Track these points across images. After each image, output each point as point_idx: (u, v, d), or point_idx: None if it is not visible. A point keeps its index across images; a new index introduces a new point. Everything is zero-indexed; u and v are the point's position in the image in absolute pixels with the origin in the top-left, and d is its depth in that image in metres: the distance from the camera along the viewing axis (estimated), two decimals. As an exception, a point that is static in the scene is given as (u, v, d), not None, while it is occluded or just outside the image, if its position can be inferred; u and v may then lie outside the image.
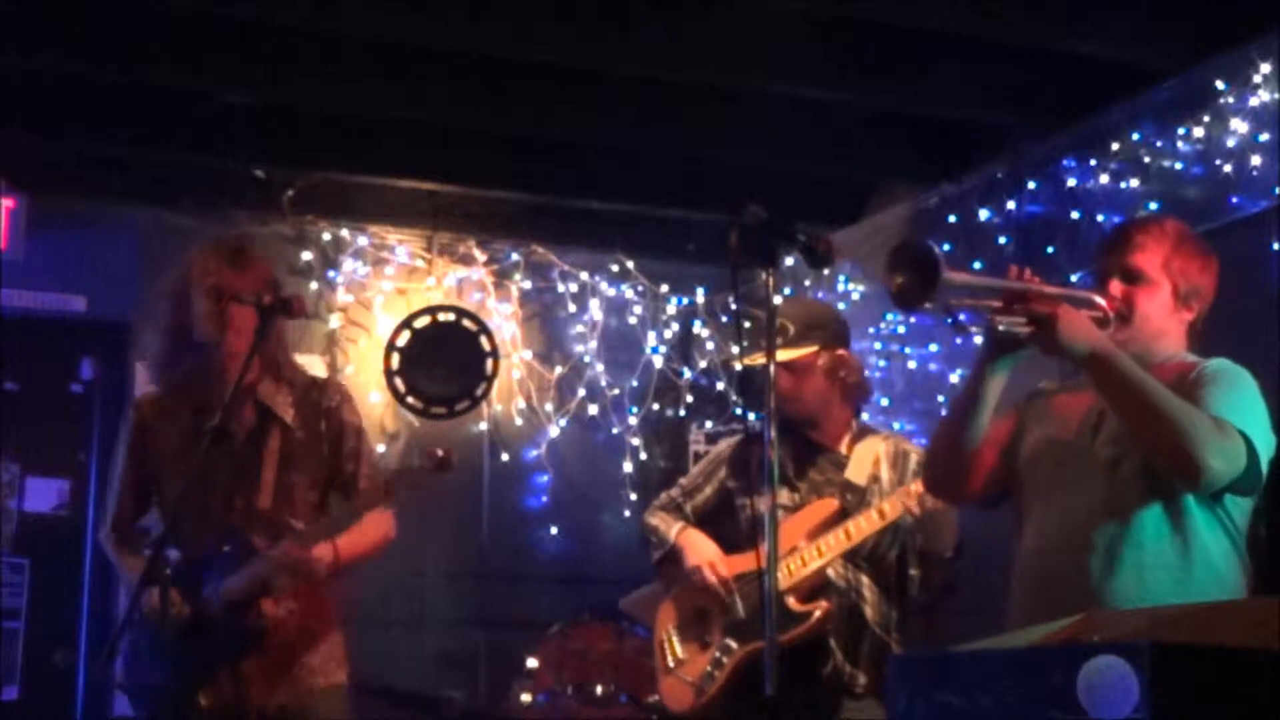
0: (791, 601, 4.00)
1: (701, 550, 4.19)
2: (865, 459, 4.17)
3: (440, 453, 3.57)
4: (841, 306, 5.98)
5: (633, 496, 6.85)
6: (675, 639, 4.24)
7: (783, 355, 4.09)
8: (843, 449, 4.19)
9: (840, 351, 4.19)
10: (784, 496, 4.13)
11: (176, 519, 3.59)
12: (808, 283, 6.55)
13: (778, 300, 3.23)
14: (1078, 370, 3.08)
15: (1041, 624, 2.45)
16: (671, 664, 4.22)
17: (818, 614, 3.98)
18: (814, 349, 4.14)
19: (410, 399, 6.49)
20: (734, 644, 4.09)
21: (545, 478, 6.81)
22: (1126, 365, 2.92)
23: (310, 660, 3.72)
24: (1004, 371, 3.08)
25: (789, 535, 4.05)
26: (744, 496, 4.18)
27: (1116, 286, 3.11)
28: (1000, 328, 2.94)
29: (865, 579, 4.09)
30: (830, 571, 4.05)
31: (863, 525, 4.00)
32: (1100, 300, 3.07)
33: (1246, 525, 3.05)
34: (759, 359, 4.06)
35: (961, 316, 2.95)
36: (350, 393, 3.96)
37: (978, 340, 3.17)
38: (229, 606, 3.61)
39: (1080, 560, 3.00)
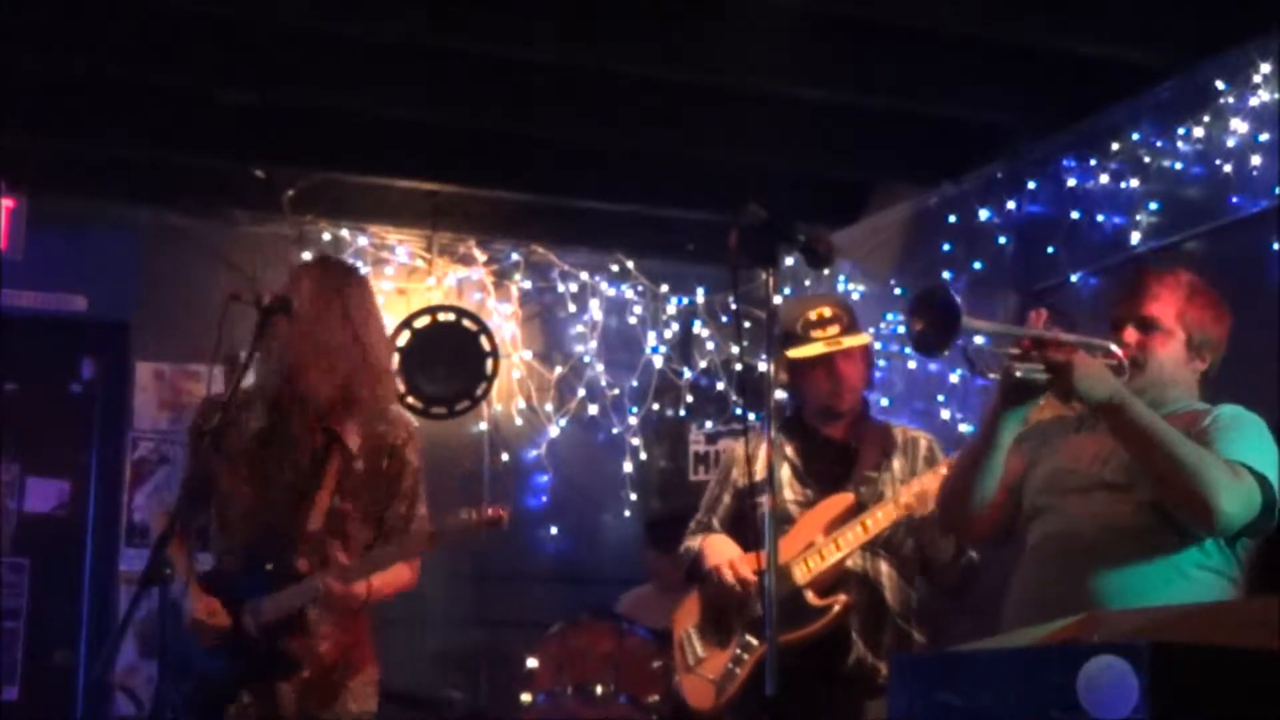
0: (810, 596, 4.00)
1: (721, 550, 4.19)
2: (874, 449, 4.18)
3: (494, 512, 3.59)
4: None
5: (633, 496, 6.86)
6: (695, 637, 4.24)
7: (851, 341, 4.14)
8: (852, 441, 4.21)
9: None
10: (797, 492, 4.15)
11: (221, 520, 3.61)
12: (808, 283, 6.54)
13: (778, 300, 3.25)
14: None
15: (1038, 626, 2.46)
16: (692, 662, 4.22)
17: (836, 609, 3.98)
18: (868, 337, 4.22)
19: (410, 399, 6.49)
20: (754, 640, 4.07)
21: (545, 478, 6.81)
22: (1142, 411, 2.95)
23: (350, 685, 3.72)
24: (1017, 420, 3.11)
25: (805, 530, 4.07)
26: (755, 495, 4.19)
27: (1131, 335, 3.15)
28: (1017, 373, 2.96)
29: (884, 566, 4.10)
30: (849, 561, 4.05)
31: (879, 518, 4.01)
32: (1115, 349, 3.10)
33: (1248, 563, 3.07)
34: (814, 350, 4.11)
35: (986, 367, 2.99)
36: (416, 433, 3.91)
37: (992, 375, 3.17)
38: (264, 627, 3.60)
39: (1081, 565, 3.01)
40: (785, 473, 4.18)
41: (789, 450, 4.20)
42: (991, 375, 3.00)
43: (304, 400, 3.67)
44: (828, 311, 4.17)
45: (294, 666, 3.62)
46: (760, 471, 4.06)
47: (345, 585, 3.57)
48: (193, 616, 3.56)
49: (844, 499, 4.09)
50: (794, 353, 4.13)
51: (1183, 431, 2.96)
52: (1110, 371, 3.01)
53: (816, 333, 4.13)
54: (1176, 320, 3.15)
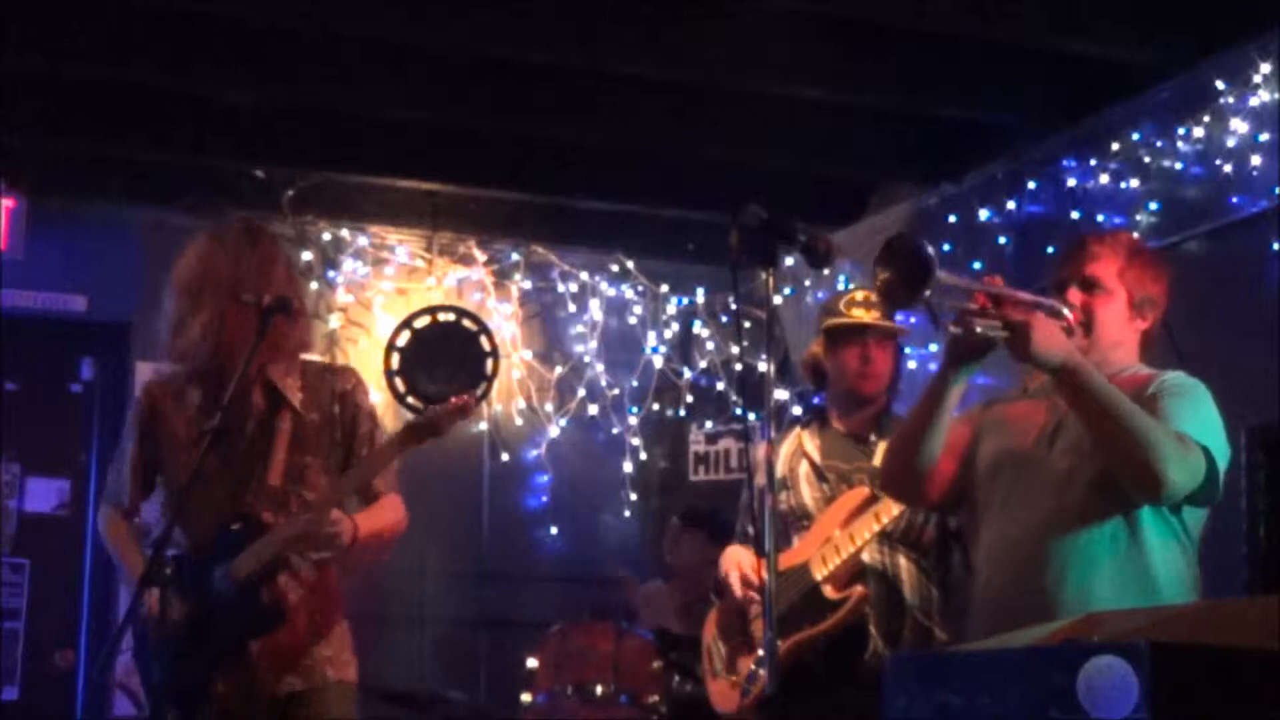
0: (828, 590, 4.01)
1: (733, 557, 4.21)
2: None
3: (459, 399, 3.57)
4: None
5: (633, 496, 6.86)
6: (720, 644, 4.26)
7: (889, 323, 4.17)
8: (872, 437, 4.22)
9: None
10: (816, 489, 4.16)
11: (182, 508, 3.55)
12: (808, 283, 6.55)
13: (778, 300, 3.25)
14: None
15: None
16: (718, 667, 4.24)
17: (852, 600, 3.99)
18: (904, 330, 4.28)
19: (410, 399, 6.45)
20: (779, 641, 4.07)
21: (545, 478, 6.81)
22: (1095, 378, 2.98)
23: (322, 650, 3.66)
24: (965, 379, 3.13)
25: (824, 527, 4.08)
26: (773, 495, 4.19)
27: (1075, 295, 3.19)
28: (978, 329, 2.97)
29: (902, 560, 4.09)
30: (865, 555, 4.05)
31: (890, 508, 4.01)
32: (1067, 312, 3.13)
33: (1199, 535, 3.11)
34: (853, 320, 4.14)
35: (947, 320, 2.99)
36: (363, 377, 3.91)
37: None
38: (242, 585, 3.55)
39: (1035, 575, 3.04)
40: (805, 470, 4.21)
41: (810, 447, 4.23)
42: (953, 329, 3.00)
43: (232, 369, 3.57)
44: (873, 296, 4.21)
45: (277, 617, 3.57)
46: (780, 471, 4.09)
47: (320, 515, 3.50)
48: (151, 611, 3.52)
49: (859, 493, 4.10)
50: (833, 321, 4.16)
51: (1130, 397, 3.00)
52: (1065, 336, 3.04)
53: (858, 311, 4.17)
54: (1118, 279, 3.19)
